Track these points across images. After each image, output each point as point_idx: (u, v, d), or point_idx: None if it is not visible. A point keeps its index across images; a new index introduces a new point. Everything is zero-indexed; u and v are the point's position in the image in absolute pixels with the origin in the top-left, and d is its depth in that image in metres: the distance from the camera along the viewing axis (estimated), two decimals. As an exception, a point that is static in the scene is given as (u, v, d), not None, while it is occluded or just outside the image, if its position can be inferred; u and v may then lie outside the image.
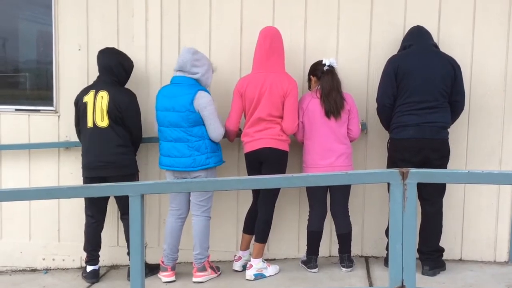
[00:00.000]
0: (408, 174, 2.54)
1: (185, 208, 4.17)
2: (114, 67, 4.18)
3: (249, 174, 4.14)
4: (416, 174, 2.55)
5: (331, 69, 4.05)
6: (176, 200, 4.16)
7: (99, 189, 3.02)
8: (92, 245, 4.29)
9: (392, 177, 2.56)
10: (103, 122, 4.09)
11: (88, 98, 4.14)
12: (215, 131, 3.98)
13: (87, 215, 4.29)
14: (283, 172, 4.01)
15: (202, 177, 3.96)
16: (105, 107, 4.08)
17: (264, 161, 4.03)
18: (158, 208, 4.62)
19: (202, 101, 3.92)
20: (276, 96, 3.96)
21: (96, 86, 4.19)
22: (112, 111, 4.08)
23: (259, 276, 4.06)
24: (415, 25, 4.09)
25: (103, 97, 4.09)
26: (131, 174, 4.18)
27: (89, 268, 4.29)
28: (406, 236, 2.54)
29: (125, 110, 4.11)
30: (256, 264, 4.08)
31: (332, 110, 3.98)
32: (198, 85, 4.00)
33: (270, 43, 4.01)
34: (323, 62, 4.06)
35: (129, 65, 4.30)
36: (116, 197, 4.23)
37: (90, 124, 4.13)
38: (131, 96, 4.21)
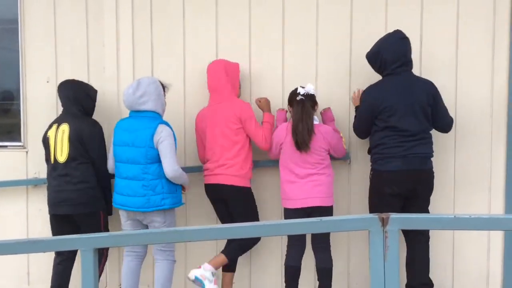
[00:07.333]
0: (388, 220, 2.33)
1: (141, 248, 3.89)
2: (83, 100, 4.00)
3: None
4: (398, 220, 2.34)
5: (302, 99, 3.83)
6: None
7: (48, 243, 2.77)
8: (56, 285, 3.96)
9: (371, 223, 2.34)
10: (62, 156, 3.88)
11: (51, 133, 3.95)
12: (169, 166, 3.63)
13: (55, 252, 3.97)
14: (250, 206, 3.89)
15: (159, 219, 3.70)
16: (65, 141, 3.87)
17: (226, 198, 3.91)
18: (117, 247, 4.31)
19: (162, 135, 3.66)
20: (230, 124, 3.86)
21: (59, 120, 3.99)
22: (72, 144, 3.86)
23: (198, 282, 3.75)
24: (395, 36, 3.77)
25: (64, 130, 3.89)
26: (91, 212, 3.89)
27: None
28: (388, 288, 2.33)
29: (87, 139, 3.87)
30: (205, 270, 3.76)
31: (301, 143, 3.78)
32: (159, 116, 3.79)
33: (217, 74, 3.94)
34: (298, 91, 3.87)
35: (94, 94, 4.12)
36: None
37: (52, 159, 3.93)
38: (94, 126, 3.98)
